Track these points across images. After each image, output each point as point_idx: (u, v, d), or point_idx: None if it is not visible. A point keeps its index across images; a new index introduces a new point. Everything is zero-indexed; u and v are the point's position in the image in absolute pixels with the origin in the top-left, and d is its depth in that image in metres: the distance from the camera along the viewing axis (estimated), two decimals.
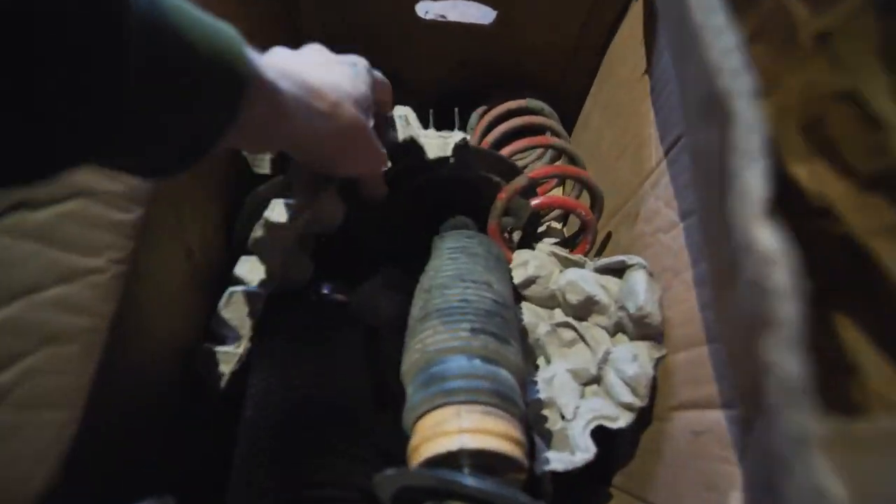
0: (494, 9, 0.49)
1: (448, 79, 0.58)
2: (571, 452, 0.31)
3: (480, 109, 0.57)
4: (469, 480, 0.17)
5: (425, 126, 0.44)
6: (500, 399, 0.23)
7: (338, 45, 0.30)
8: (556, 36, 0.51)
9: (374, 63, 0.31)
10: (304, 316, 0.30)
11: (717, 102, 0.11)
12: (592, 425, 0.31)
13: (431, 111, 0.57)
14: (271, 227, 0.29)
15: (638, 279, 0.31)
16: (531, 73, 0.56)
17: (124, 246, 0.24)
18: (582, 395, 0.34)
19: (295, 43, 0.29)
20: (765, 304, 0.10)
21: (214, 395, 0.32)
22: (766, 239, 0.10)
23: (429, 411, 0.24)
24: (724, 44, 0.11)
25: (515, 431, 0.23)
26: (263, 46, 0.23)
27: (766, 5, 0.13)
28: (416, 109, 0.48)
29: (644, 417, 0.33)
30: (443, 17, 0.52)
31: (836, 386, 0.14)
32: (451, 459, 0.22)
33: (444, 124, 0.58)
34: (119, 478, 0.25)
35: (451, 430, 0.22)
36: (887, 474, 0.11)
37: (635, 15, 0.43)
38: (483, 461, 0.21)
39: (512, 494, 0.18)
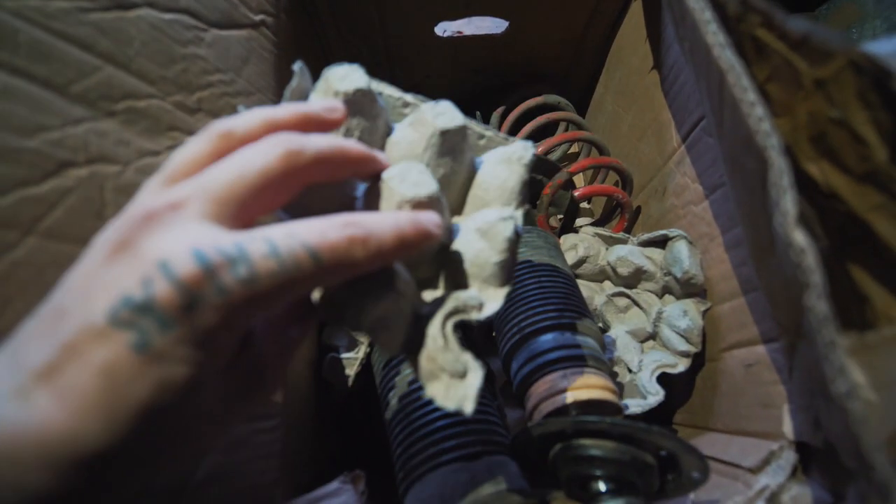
0: (506, 19, 0.54)
1: (465, 85, 0.63)
2: (643, 397, 0.37)
3: (500, 110, 0.62)
4: (601, 421, 0.24)
5: None
6: (591, 360, 0.30)
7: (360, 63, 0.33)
8: (563, 34, 0.55)
9: (396, 79, 0.35)
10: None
11: (757, 152, 0.17)
12: (657, 373, 0.38)
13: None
14: None
15: (681, 248, 0.37)
16: (542, 69, 0.61)
17: None
18: (642, 351, 0.41)
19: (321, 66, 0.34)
20: (802, 276, 0.16)
21: (342, 394, 0.39)
22: (800, 239, 0.16)
23: (538, 379, 0.30)
24: (756, 113, 0.17)
25: (609, 383, 0.29)
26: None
27: (775, 60, 0.19)
28: None
29: (698, 361, 0.39)
30: (460, 33, 0.57)
31: (854, 311, 0.20)
32: (565, 412, 0.28)
33: None
34: (304, 463, 0.32)
35: (561, 389, 0.29)
36: (892, 366, 0.17)
37: (635, 12, 0.47)
38: (590, 410, 0.28)
39: (628, 423, 0.24)
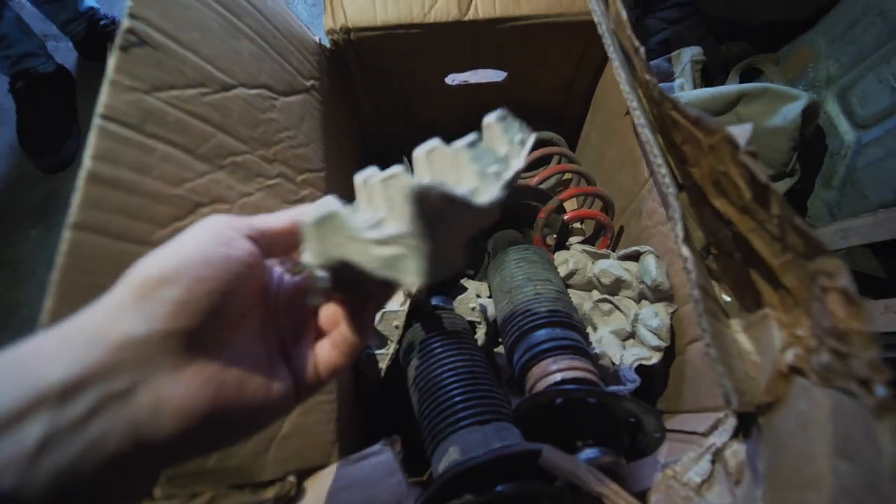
0: (505, 70, 0.64)
1: (473, 124, 0.73)
2: (624, 384, 0.45)
3: None
4: (581, 390, 0.32)
5: None
6: (576, 349, 0.38)
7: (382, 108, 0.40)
8: (554, 82, 0.65)
9: (413, 121, 0.43)
10: (435, 321, 0.45)
11: (664, 196, 0.26)
12: (635, 364, 0.46)
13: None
14: None
15: (650, 261, 0.46)
16: (537, 109, 0.71)
17: None
18: (623, 347, 0.49)
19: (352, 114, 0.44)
20: (687, 275, 0.25)
21: (375, 384, 0.47)
22: (685, 251, 0.24)
23: (534, 364, 0.38)
24: (662, 171, 0.26)
25: (590, 366, 0.37)
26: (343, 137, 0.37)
27: (684, 130, 0.28)
28: None
29: (669, 355, 0.47)
30: (466, 81, 0.67)
31: (752, 302, 0.28)
32: (554, 388, 0.36)
33: None
34: (350, 434, 0.40)
35: (552, 371, 0.37)
36: (766, 337, 0.26)
37: (611, 69, 0.57)
38: (574, 384, 0.36)
39: (601, 390, 0.32)
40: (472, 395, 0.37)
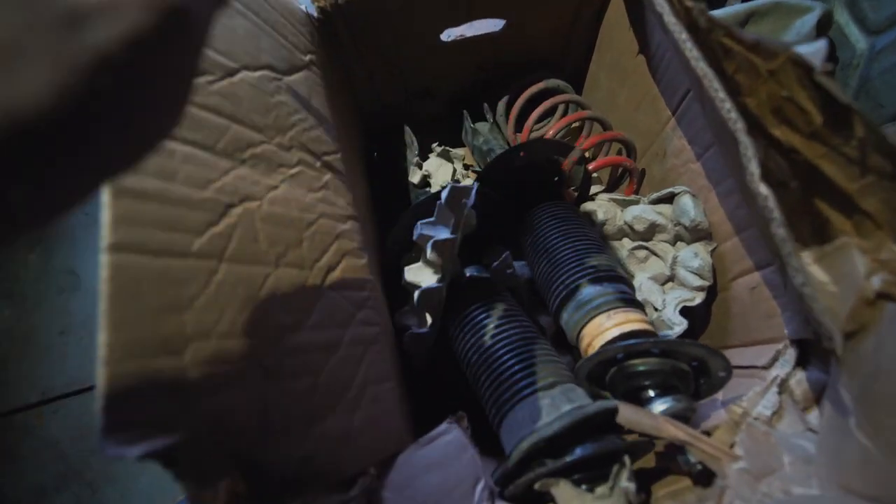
0: (502, 18, 0.59)
1: (469, 81, 0.69)
2: (670, 329, 0.45)
3: (505, 99, 0.69)
4: (644, 342, 0.32)
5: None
6: (626, 301, 0.38)
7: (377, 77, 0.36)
8: (555, 25, 0.61)
9: (408, 81, 0.40)
10: (476, 292, 0.44)
11: (730, 134, 0.24)
12: (679, 307, 0.46)
13: (465, 112, 0.69)
14: (439, 243, 0.43)
15: (686, 201, 0.44)
16: (538, 58, 0.67)
17: (373, 286, 0.38)
18: (664, 292, 0.49)
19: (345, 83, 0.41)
20: (768, 213, 0.23)
21: (421, 363, 0.47)
22: (763, 189, 0.23)
23: (587, 323, 0.38)
24: (726, 107, 0.24)
25: (643, 316, 0.37)
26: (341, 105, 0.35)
27: (738, 58, 0.25)
28: (448, 115, 0.61)
29: (712, 293, 0.47)
30: (462, 35, 0.63)
31: (818, 230, 0.27)
32: (613, 343, 0.36)
33: (476, 118, 0.70)
34: (409, 416, 0.40)
35: (608, 326, 0.36)
36: (844, 265, 0.25)
37: (618, 2, 0.54)
38: (631, 338, 0.36)
39: (664, 339, 0.32)
40: (530, 361, 0.37)
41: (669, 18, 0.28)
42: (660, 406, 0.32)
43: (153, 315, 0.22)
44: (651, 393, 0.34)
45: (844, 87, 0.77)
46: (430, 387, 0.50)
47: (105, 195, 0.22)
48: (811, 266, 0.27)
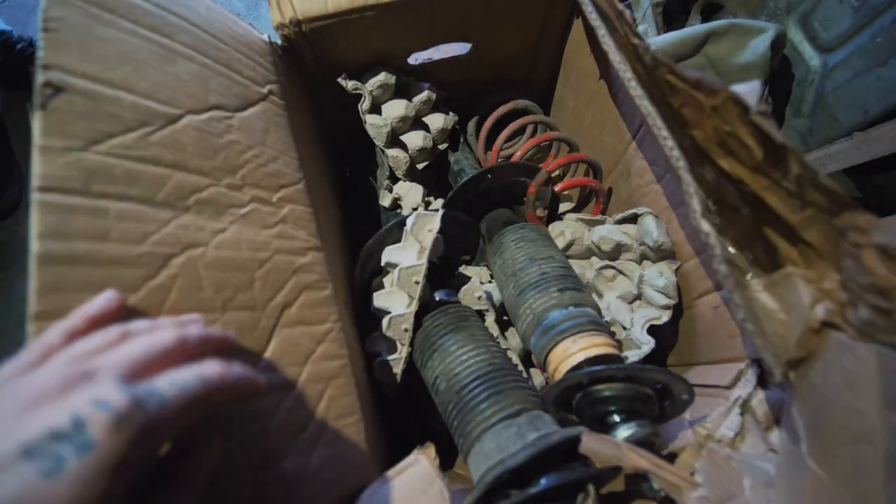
0: (468, 42, 0.60)
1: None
2: (639, 347, 0.45)
3: (475, 119, 0.69)
4: (607, 368, 0.32)
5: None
6: (593, 325, 0.38)
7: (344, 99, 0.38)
8: (520, 47, 0.62)
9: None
10: (445, 317, 0.43)
11: (673, 170, 0.24)
12: (646, 326, 0.46)
13: None
14: (406, 270, 0.42)
15: (649, 222, 0.45)
16: (505, 78, 0.67)
17: (336, 317, 0.38)
18: (632, 311, 0.49)
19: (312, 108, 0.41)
20: (710, 249, 0.24)
21: (393, 390, 0.46)
22: (705, 226, 0.23)
23: (553, 347, 0.38)
24: (669, 144, 0.24)
25: (609, 339, 0.37)
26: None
27: (683, 94, 0.26)
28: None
29: (678, 311, 0.47)
30: (430, 59, 0.63)
31: (768, 258, 0.28)
32: (579, 368, 0.36)
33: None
34: (377, 448, 0.39)
35: (573, 351, 0.36)
36: (791, 294, 0.25)
37: (578, 27, 0.55)
38: (598, 363, 0.36)
39: (627, 365, 0.32)
40: (497, 389, 0.36)
41: (615, 56, 0.28)
42: (624, 433, 0.32)
43: None
44: (616, 418, 0.34)
45: (801, 103, 0.80)
46: (404, 412, 0.49)
47: (32, 265, 0.22)
48: (761, 293, 0.28)
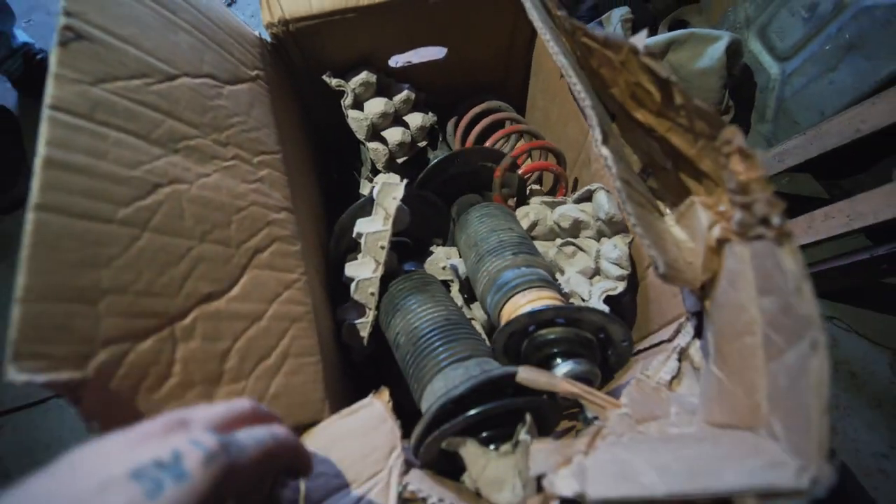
0: (444, 46, 0.66)
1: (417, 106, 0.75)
2: None
3: (453, 119, 0.75)
4: (547, 309, 0.35)
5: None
6: (543, 282, 0.41)
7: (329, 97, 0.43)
8: (493, 51, 0.68)
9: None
10: (409, 282, 0.47)
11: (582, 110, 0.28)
12: (603, 296, 0.49)
13: None
14: (372, 235, 0.46)
15: (601, 196, 0.49)
16: (481, 81, 0.73)
17: (303, 271, 0.41)
18: (591, 285, 0.52)
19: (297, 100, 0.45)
20: (615, 182, 0.27)
21: (361, 353, 0.49)
22: (605, 151, 0.27)
23: (506, 302, 0.41)
24: (578, 88, 0.28)
25: (556, 294, 0.40)
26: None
27: (597, 54, 0.30)
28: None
29: (633, 284, 0.50)
30: (409, 62, 0.69)
31: (684, 197, 0.31)
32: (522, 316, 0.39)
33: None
34: (338, 400, 0.42)
35: (522, 304, 0.39)
36: (695, 222, 0.28)
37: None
38: (543, 313, 0.39)
39: (564, 305, 0.35)
40: (450, 338, 0.39)
41: (538, 23, 0.33)
42: (562, 369, 0.34)
43: (71, 267, 0.25)
44: (559, 360, 0.36)
45: (764, 109, 0.85)
46: (370, 377, 0.51)
47: (37, 167, 0.26)
48: (673, 227, 0.31)
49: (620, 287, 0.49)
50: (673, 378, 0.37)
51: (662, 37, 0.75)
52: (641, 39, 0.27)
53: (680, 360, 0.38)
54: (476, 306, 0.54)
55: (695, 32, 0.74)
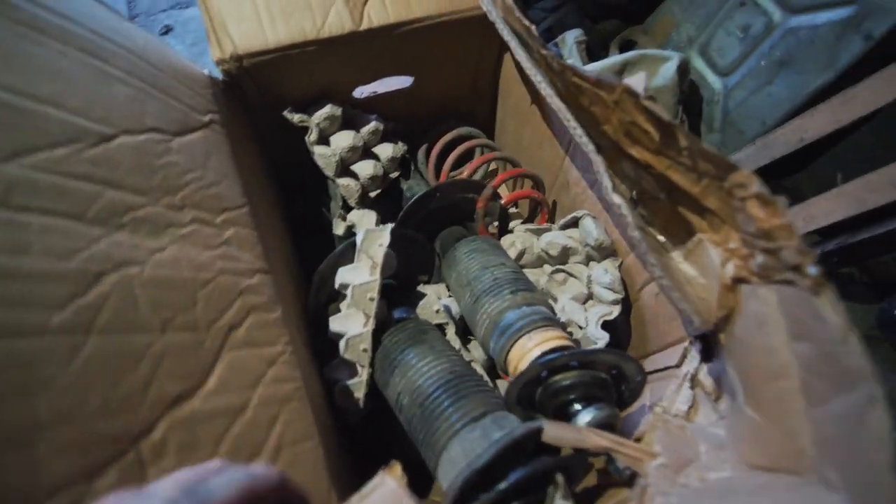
0: (410, 75, 0.64)
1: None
2: (595, 343, 0.47)
3: (423, 147, 0.73)
4: (561, 356, 0.33)
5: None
6: (546, 321, 0.39)
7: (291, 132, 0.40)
8: (459, 78, 0.67)
9: None
10: (404, 333, 0.43)
11: (583, 154, 0.27)
12: (599, 322, 0.48)
13: None
14: (359, 287, 0.42)
15: (588, 223, 0.48)
16: (449, 108, 0.72)
17: (287, 340, 0.37)
18: (585, 310, 0.51)
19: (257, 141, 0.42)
20: (627, 231, 0.26)
21: (356, 416, 0.45)
22: (616, 199, 0.26)
23: (511, 347, 0.38)
24: (578, 132, 0.27)
25: (562, 333, 0.38)
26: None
27: (589, 93, 0.30)
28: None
29: (625, 306, 0.50)
30: (375, 92, 0.67)
31: (684, 233, 0.31)
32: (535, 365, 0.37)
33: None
34: (341, 474, 0.37)
35: (530, 347, 0.37)
36: (705, 259, 0.28)
37: (508, 61, 0.61)
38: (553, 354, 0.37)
39: (578, 350, 0.33)
40: (459, 394, 0.36)
41: (527, 65, 0.32)
42: (585, 417, 0.33)
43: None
44: (577, 406, 0.34)
45: (712, 121, 0.90)
46: (369, 439, 0.47)
47: None
48: (681, 264, 0.30)
49: (616, 311, 0.48)
50: (690, 408, 0.36)
51: (618, 58, 0.78)
52: (641, 83, 0.26)
53: (692, 387, 0.37)
54: (474, 345, 0.51)
55: (645, 54, 0.78)
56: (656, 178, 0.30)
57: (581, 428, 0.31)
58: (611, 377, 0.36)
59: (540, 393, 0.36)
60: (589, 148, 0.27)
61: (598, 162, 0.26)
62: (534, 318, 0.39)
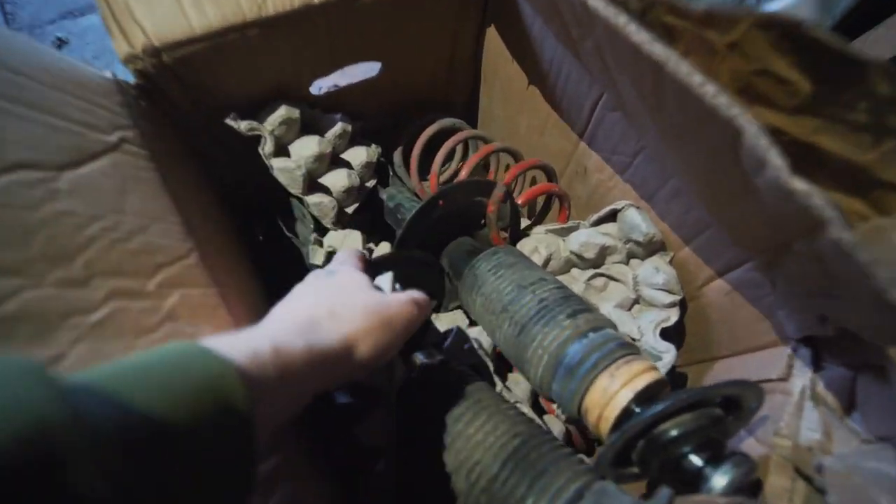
0: (377, 59, 0.53)
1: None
2: (659, 358, 0.39)
3: (399, 149, 0.62)
4: (667, 402, 0.24)
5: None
6: (624, 349, 0.30)
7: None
8: (434, 63, 0.57)
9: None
10: (435, 390, 0.33)
11: (723, 123, 0.19)
12: (658, 331, 0.40)
13: None
14: None
15: (633, 214, 0.40)
16: (423, 98, 0.61)
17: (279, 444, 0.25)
18: (633, 318, 0.43)
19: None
20: (815, 212, 0.18)
21: None
22: (801, 185, 0.17)
23: (587, 390, 0.29)
24: (710, 91, 0.18)
25: (648, 362, 0.30)
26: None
27: (686, 37, 0.21)
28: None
29: (682, 306, 0.42)
30: (336, 86, 0.55)
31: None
32: (629, 409, 0.28)
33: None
34: None
35: (616, 389, 0.28)
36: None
37: (493, 34, 0.51)
38: (646, 394, 0.28)
39: (696, 391, 0.25)
40: (538, 469, 0.26)
41: (596, 4, 0.22)
42: (719, 482, 0.24)
43: None
44: (696, 460, 0.26)
45: None
46: None
47: None
48: None
49: (674, 317, 0.41)
50: (824, 432, 0.29)
51: None
52: (803, 8, 0.18)
53: (815, 405, 0.30)
54: (513, 381, 0.41)
55: None
56: (787, 147, 0.22)
57: (716, 500, 0.23)
58: (722, 409, 0.28)
59: (642, 447, 0.27)
60: (733, 111, 0.18)
61: (758, 132, 0.18)
62: (609, 347, 0.30)
